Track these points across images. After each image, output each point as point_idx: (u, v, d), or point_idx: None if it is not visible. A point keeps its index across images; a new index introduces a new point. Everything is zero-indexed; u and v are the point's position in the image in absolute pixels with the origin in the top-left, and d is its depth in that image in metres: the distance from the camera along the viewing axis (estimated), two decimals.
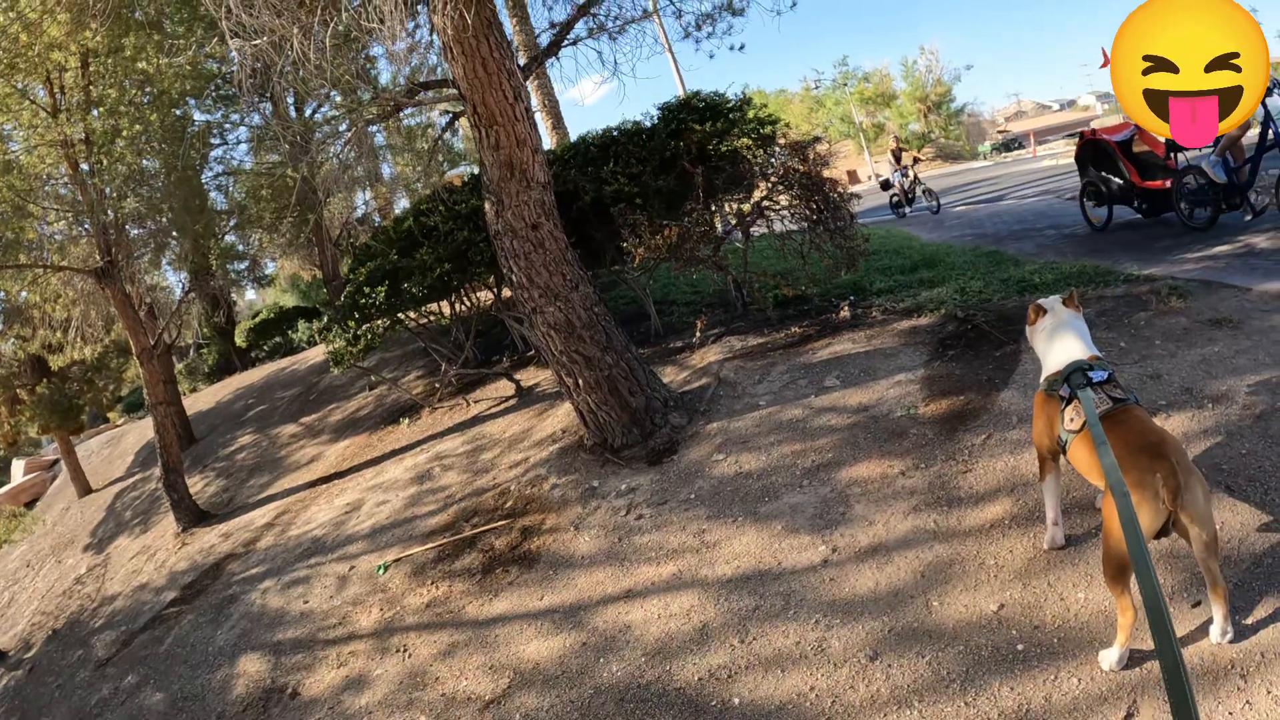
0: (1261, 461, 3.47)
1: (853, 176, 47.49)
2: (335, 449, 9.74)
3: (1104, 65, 4.11)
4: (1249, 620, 2.71)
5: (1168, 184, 8.04)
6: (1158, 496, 2.43)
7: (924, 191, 16.88)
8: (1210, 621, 2.66)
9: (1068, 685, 2.74)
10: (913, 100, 50.11)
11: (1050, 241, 9.17)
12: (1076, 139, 9.76)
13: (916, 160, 18.14)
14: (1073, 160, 9.90)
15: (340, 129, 10.65)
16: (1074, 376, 2.95)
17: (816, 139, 7.71)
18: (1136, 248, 7.74)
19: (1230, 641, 2.65)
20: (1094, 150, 9.09)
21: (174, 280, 19.99)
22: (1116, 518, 2.48)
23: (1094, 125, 9.62)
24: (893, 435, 4.76)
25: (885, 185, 18.77)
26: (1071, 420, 2.94)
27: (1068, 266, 7.11)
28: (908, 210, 17.57)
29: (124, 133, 8.61)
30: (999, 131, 58.67)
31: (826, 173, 7.39)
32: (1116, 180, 8.71)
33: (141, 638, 6.59)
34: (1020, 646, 2.97)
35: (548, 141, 14.05)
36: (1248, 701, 2.43)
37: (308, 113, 14.38)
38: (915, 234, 12.33)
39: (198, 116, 12.49)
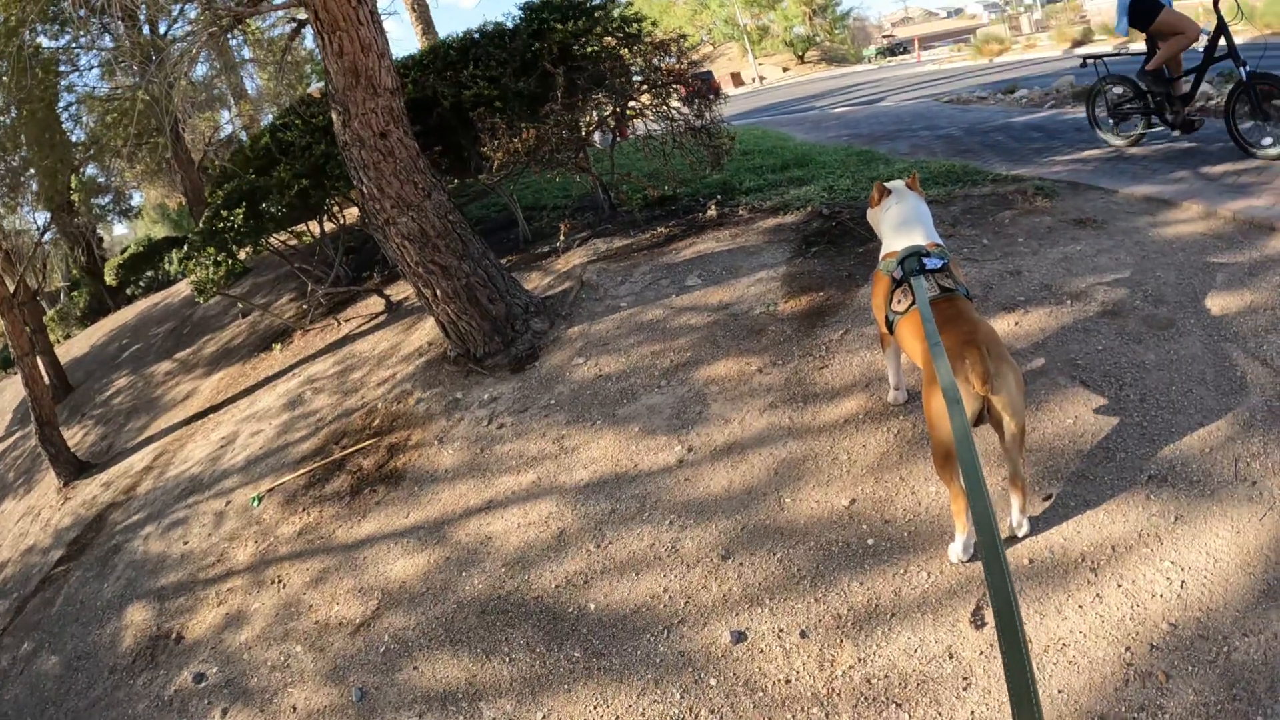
0: (1117, 358, 3.57)
1: (736, 79, 47.07)
2: (210, 382, 9.37)
3: None
4: (1099, 513, 2.79)
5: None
6: (967, 381, 2.43)
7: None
8: (1048, 518, 2.76)
9: (917, 579, 2.79)
10: (799, 3, 49.39)
11: (924, 142, 9.25)
12: None
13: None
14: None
15: (193, 45, 9.97)
16: (908, 261, 2.94)
17: (683, 36, 7.54)
18: (1007, 150, 7.85)
19: (1024, 535, 2.76)
20: None
21: (36, 223, 18.64)
22: (937, 405, 2.51)
23: None
24: (751, 333, 4.79)
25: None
26: (899, 303, 2.95)
27: (936, 165, 7.17)
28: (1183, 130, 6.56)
29: None
30: (884, 36, 58.43)
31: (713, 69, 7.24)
32: None
33: (33, 602, 6.30)
34: (871, 541, 3.02)
35: (417, 46, 13.44)
36: (1098, 594, 2.51)
37: (162, 30, 13.43)
38: (790, 133, 12.29)
39: (45, 44, 11.52)
